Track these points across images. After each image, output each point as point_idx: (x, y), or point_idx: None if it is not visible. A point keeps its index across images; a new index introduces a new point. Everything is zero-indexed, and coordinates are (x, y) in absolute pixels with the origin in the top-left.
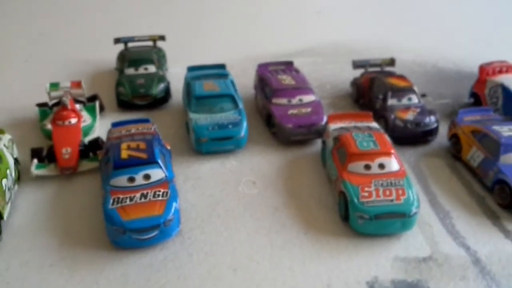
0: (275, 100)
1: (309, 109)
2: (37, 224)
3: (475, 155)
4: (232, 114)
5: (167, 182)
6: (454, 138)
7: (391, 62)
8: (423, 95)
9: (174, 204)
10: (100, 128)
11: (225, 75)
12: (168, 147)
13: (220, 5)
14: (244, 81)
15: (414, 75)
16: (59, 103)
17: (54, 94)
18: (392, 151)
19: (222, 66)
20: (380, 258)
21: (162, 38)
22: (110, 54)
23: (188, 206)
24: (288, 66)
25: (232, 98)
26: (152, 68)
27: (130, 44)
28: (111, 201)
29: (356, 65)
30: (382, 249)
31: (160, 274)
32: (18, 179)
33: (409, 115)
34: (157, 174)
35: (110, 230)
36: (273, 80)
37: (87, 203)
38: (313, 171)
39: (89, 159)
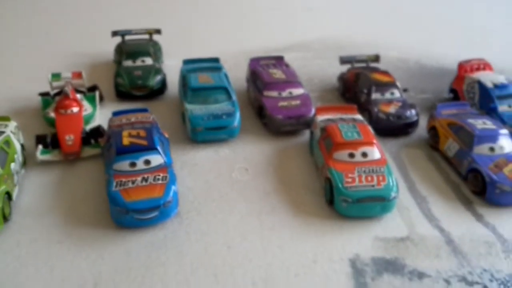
0: (266, 93)
1: (298, 102)
2: (44, 205)
3: (451, 146)
4: (226, 105)
5: (166, 167)
6: (433, 130)
7: (376, 58)
8: (405, 90)
9: (173, 187)
10: (100, 117)
11: (219, 68)
12: (166, 135)
13: (214, 0)
14: (237, 74)
15: (397, 71)
16: (61, 93)
17: (55, 84)
18: (374, 141)
19: (216, 60)
20: (361, 238)
21: (158, 31)
22: (108, 47)
23: (185, 190)
24: (278, 60)
25: (225, 90)
26: (149, 61)
27: (127, 37)
28: (114, 184)
29: (343, 60)
30: (364, 230)
31: (160, 251)
32: (24, 163)
33: (392, 109)
34: (156, 159)
35: (114, 211)
36: (265, 74)
37: (90, 187)
38: (301, 159)
39: (91, 146)
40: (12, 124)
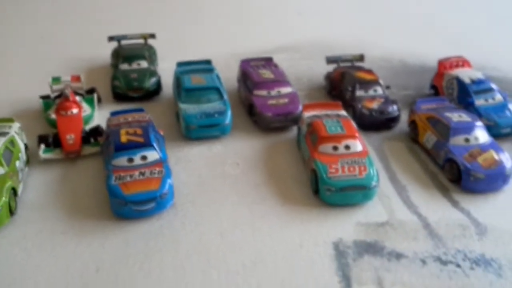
0: (256, 92)
1: (286, 100)
2: (47, 200)
3: (429, 138)
4: (218, 104)
5: (161, 162)
6: (413, 124)
7: (361, 58)
8: (387, 87)
9: (168, 181)
10: (98, 118)
11: (211, 70)
12: (162, 133)
13: (206, 6)
14: (228, 75)
15: (382, 69)
16: (61, 95)
17: (55, 87)
18: (357, 134)
19: (208, 62)
20: (344, 224)
21: (152, 36)
22: (104, 51)
23: (180, 184)
24: (268, 61)
25: (217, 90)
26: (144, 64)
27: (123, 42)
28: (114, 178)
29: (329, 60)
30: (346, 216)
31: (157, 239)
32: (28, 162)
33: (374, 105)
34: (152, 155)
35: (114, 203)
36: (254, 74)
37: (90, 182)
38: (289, 153)
39: (91, 144)
40: (16, 125)
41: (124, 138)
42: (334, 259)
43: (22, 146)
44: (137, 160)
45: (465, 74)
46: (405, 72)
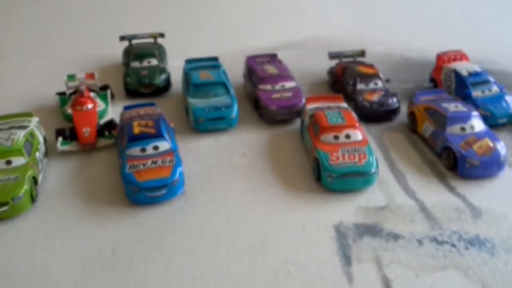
0: (261, 86)
1: (290, 94)
2: (65, 189)
3: (427, 128)
4: (225, 98)
5: (172, 152)
6: (412, 115)
7: (362, 53)
8: (387, 80)
9: (179, 169)
10: (112, 112)
11: (218, 66)
12: (172, 125)
13: (213, 6)
14: (234, 71)
15: (383, 64)
16: (76, 92)
17: (71, 84)
18: (357, 124)
19: (215, 59)
20: (345, 208)
21: (162, 35)
22: (116, 50)
23: (190, 173)
24: (272, 58)
25: (224, 85)
26: (154, 61)
27: (133, 42)
28: (128, 166)
29: (332, 56)
30: (347, 201)
31: (168, 223)
32: (46, 154)
33: (375, 97)
34: (163, 145)
35: (128, 190)
36: (260, 69)
37: (105, 172)
38: (293, 143)
39: (105, 137)
40: (35, 119)
41: (137, 130)
42: (335, 240)
43: (41, 138)
44: (149, 150)
45: (463, 67)
46: (405, 67)
